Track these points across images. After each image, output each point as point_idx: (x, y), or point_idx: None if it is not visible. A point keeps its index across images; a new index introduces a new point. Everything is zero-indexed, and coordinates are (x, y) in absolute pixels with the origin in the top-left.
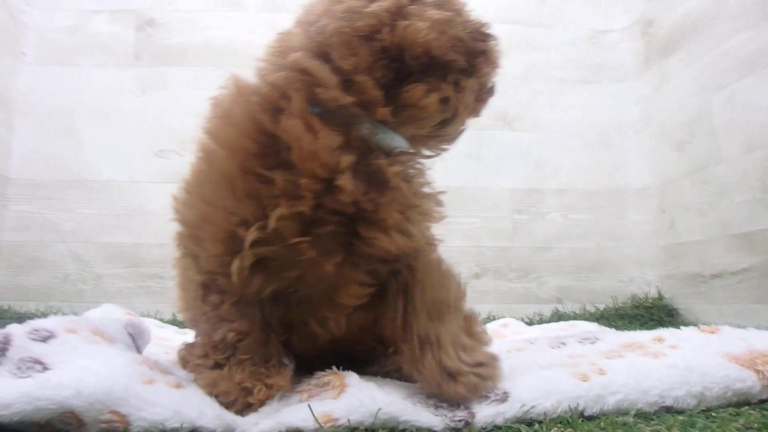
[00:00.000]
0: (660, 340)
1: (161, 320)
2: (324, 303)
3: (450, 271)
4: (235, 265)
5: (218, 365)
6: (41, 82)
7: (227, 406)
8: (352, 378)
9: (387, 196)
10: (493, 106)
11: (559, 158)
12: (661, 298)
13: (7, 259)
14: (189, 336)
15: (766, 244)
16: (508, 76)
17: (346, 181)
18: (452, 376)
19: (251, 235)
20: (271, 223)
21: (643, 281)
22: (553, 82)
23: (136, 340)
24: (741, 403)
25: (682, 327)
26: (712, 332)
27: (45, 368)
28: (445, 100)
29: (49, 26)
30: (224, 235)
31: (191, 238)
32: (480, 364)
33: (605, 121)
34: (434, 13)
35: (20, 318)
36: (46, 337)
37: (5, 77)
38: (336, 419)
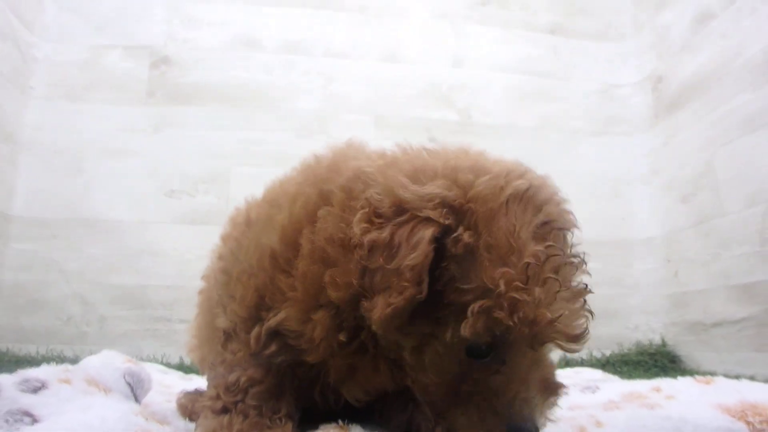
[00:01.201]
0: (658, 390)
1: (167, 364)
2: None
3: None
4: (254, 332)
5: (225, 409)
6: (49, 118)
7: None
8: (356, 429)
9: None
10: (506, 155)
11: (569, 208)
12: (664, 344)
13: (7, 299)
14: (193, 383)
15: (765, 294)
16: (522, 127)
17: (317, 331)
18: None
19: (267, 320)
20: (271, 323)
21: (648, 329)
22: (566, 133)
23: (135, 389)
24: None
25: (679, 377)
26: (707, 383)
27: (34, 421)
28: None
29: (60, 60)
30: (251, 303)
31: (226, 289)
32: None
33: (615, 173)
34: None
35: (18, 361)
36: (36, 388)
37: (11, 111)
38: None
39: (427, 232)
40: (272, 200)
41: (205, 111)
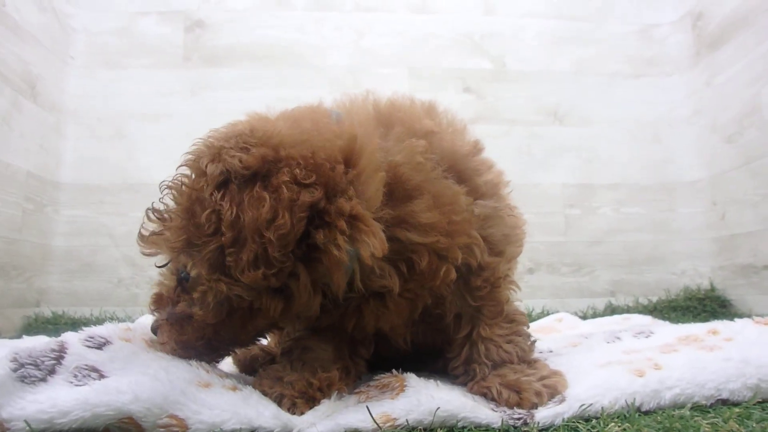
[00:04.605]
0: (715, 332)
1: None
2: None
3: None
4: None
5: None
6: (90, 86)
7: (277, 402)
8: (411, 379)
9: None
10: (543, 101)
11: (610, 153)
12: (713, 289)
13: (61, 264)
14: None
15: None
16: (558, 72)
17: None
18: (518, 391)
19: None
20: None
21: (695, 273)
22: (604, 77)
23: None
24: None
25: (736, 319)
26: (767, 324)
27: (101, 376)
28: None
29: (97, 29)
30: None
31: None
32: (543, 377)
33: (656, 115)
34: None
35: (74, 324)
36: (101, 344)
37: (54, 82)
38: (395, 419)
39: None
40: None
41: (239, 72)
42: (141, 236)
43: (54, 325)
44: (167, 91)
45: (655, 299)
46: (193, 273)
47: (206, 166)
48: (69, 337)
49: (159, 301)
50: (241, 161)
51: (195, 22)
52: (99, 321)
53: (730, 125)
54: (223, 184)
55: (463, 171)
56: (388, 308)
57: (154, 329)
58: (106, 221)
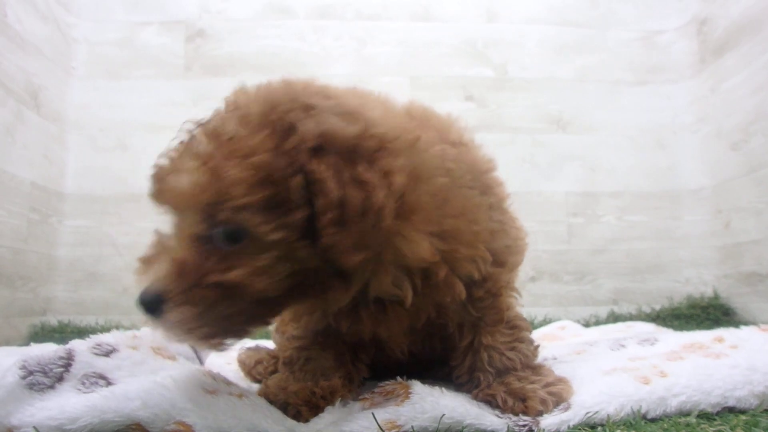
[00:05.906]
0: (720, 340)
1: None
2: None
3: (518, 320)
4: None
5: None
6: (92, 97)
7: (282, 409)
8: (416, 386)
9: None
10: (546, 109)
11: (613, 160)
12: (717, 297)
13: (66, 273)
14: (248, 344)
15: None
16: (561, 79)
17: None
18: (523, 399)
19: None
20: None
21: (699, 282)
22: (607, 85)
23: (198, 352)
24: None
25: (741, 326)
26: None
27: (109, 383)
28: None
29: (99, 39)
30: None
31: None
32: (549, 384)
33: (660, 123)
34: None
35: (80, 332)
36: (109, 352)
37: (57, 92)
38: (400, 426)
39: None
40: None
41: (240, 82)
42: (157, 177)
43: (60, 333)
44: (169, 101)
45: (658, 307)
46: (275, 236)
47: (299, 122)
48: (77, 345)
49: (182, 271)
50: (344, 131)
51: (196, 32)
52: (105, 329)
53: (735, 132)
54: (320, 150)
55: (482, 186)
56: (387, 316)
57: (158, 308)
58: (110, 231)
